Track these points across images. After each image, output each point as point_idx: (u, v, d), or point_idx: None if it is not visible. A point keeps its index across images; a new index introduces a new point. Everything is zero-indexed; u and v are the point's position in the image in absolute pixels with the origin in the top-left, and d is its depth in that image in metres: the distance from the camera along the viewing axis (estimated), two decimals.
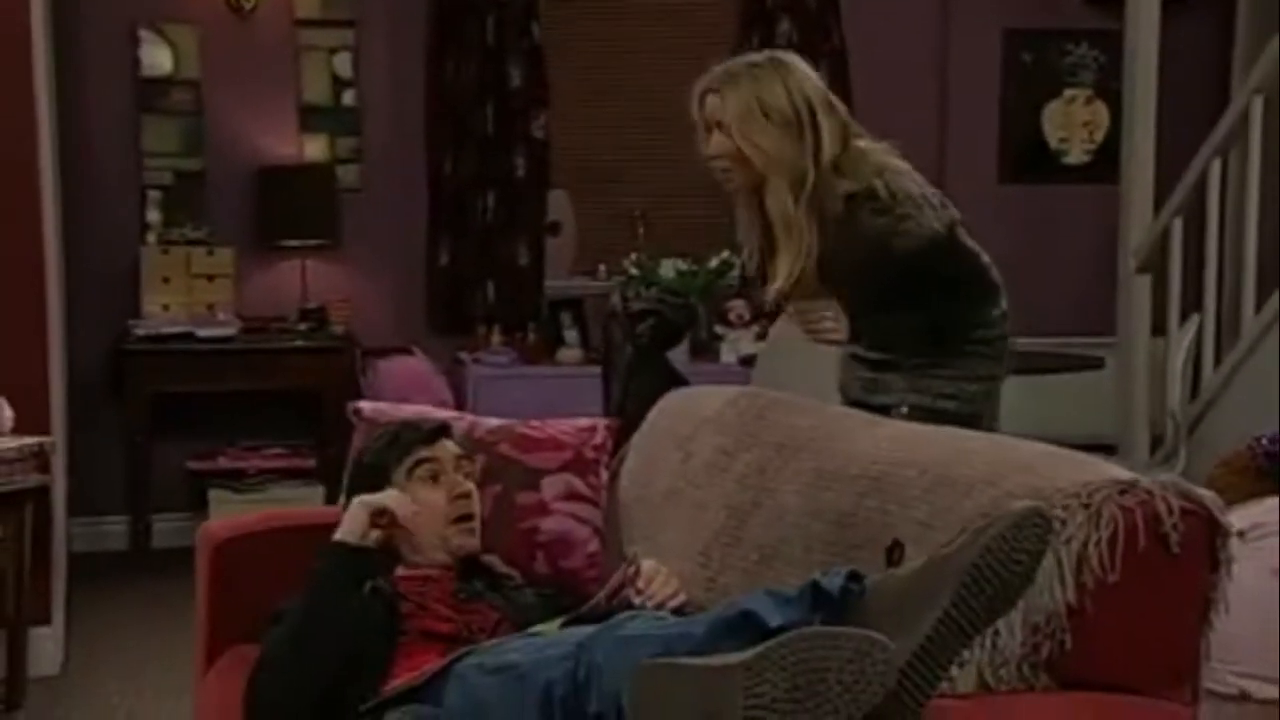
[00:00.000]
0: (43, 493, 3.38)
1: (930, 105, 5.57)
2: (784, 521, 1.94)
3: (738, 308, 5.18)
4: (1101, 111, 5.64)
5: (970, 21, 5.56)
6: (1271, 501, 2.81)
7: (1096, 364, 4.40)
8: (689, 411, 2.38)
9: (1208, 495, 1.54)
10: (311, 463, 4.81)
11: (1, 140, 3.42)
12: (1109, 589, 1.47)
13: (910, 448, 1.85)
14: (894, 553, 1.56)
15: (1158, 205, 4.53)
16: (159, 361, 4.67)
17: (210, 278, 4.87)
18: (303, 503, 4.55)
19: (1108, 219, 4.78)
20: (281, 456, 4.88)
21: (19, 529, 3.22)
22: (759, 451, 2.10)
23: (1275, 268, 4.34)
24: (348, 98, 5.11)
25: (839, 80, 5.44)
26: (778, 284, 2.56)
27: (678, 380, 3.48)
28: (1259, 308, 4.29)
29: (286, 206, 4.98)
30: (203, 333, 4.68)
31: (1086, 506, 1.50)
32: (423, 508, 2.12)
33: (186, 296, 4.84)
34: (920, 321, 2.66)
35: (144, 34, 4.92)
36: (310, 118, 5.09)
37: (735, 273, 4.94)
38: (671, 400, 2.50)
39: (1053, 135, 5.70)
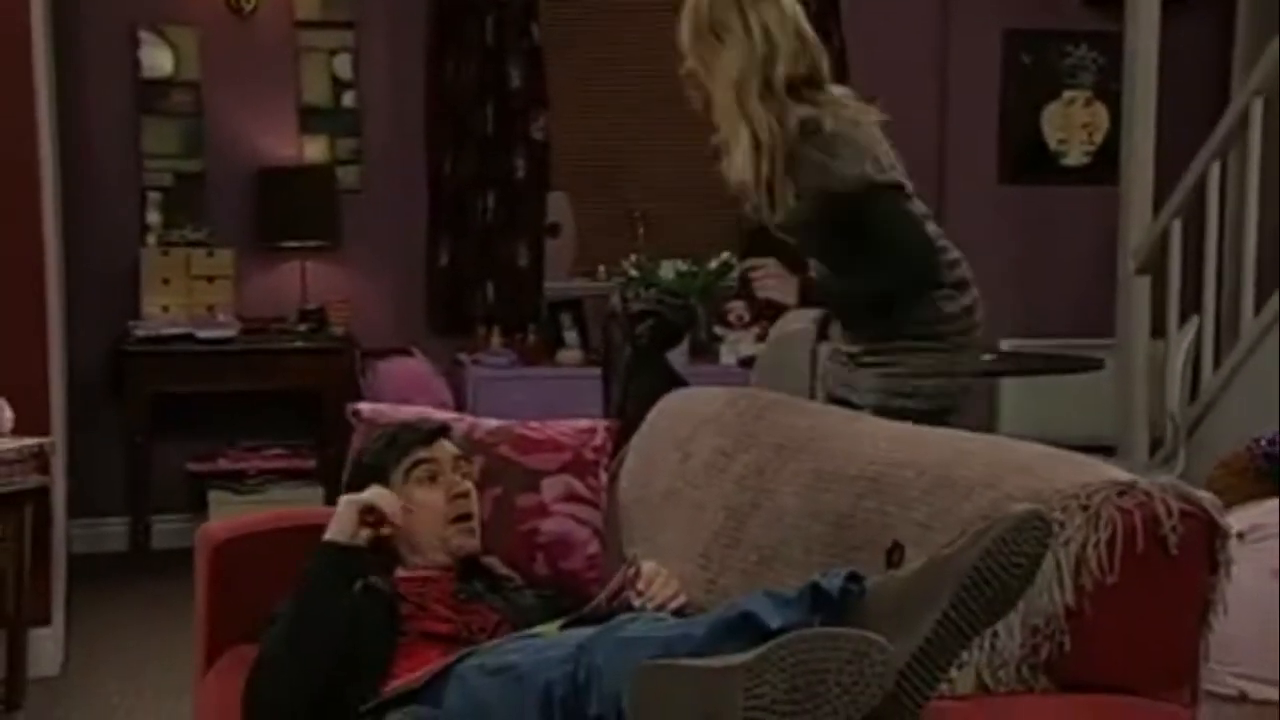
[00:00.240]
0: (43, 493, 3.38)
1: (930, 106, 5.57)
2: (783, 523, 1.94)
3: (737, 309, 5.18)
4: (1101, 113, 5.65)
5: (970, 22, 5.57)
6: (1271, 503, 2.81)
7: (1096, 365, 4.40)
8: (688, 412, 2.38)
9: (1207, 497, 1.54)
10: (311, 463, 4.81)
11: (2, 141, 3.42)
12: (1108, 591, 1.47)
13: (908, 449, 1.85)
14: (894, 554, 1.56)
15: (1157, 207, 4.54)
16: (159, 362, 4.67)
17: (210, 279, 4.87)
18: (302, 503, 4.55)
19: (1107, 220, 4.78)
20: (281, 457, 4.88)
21: (19, 530, 3.22)
22: (758, 452, 2.10)
23: (1275, 269, 4.35)
24: (347, 99, 5.12)
25: (839, 80, 5.43)
26: (733, 175, 2.61)
27: (677, 381, 3.49)
28: (1258, 309, 4.30)
29: (286, 207, 4.98)
30: (203, 334, 4.68)
31: (1085, 508, 1.50)
32: (421, 508, 2.12)
33: (186, 298, 4.84)
34: (862, 290, 2.68)
35: (144, 35, 4.92)
36: (310, 119, 5.09)
37: (735, 274, 4.94)
38: (671, 401, 2.51)
39: (1052, 136, 5.70)
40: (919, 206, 2.69)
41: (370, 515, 2.04)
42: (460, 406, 4.64)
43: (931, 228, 2.67)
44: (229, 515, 3.98)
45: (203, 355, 4.68)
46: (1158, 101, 4.49)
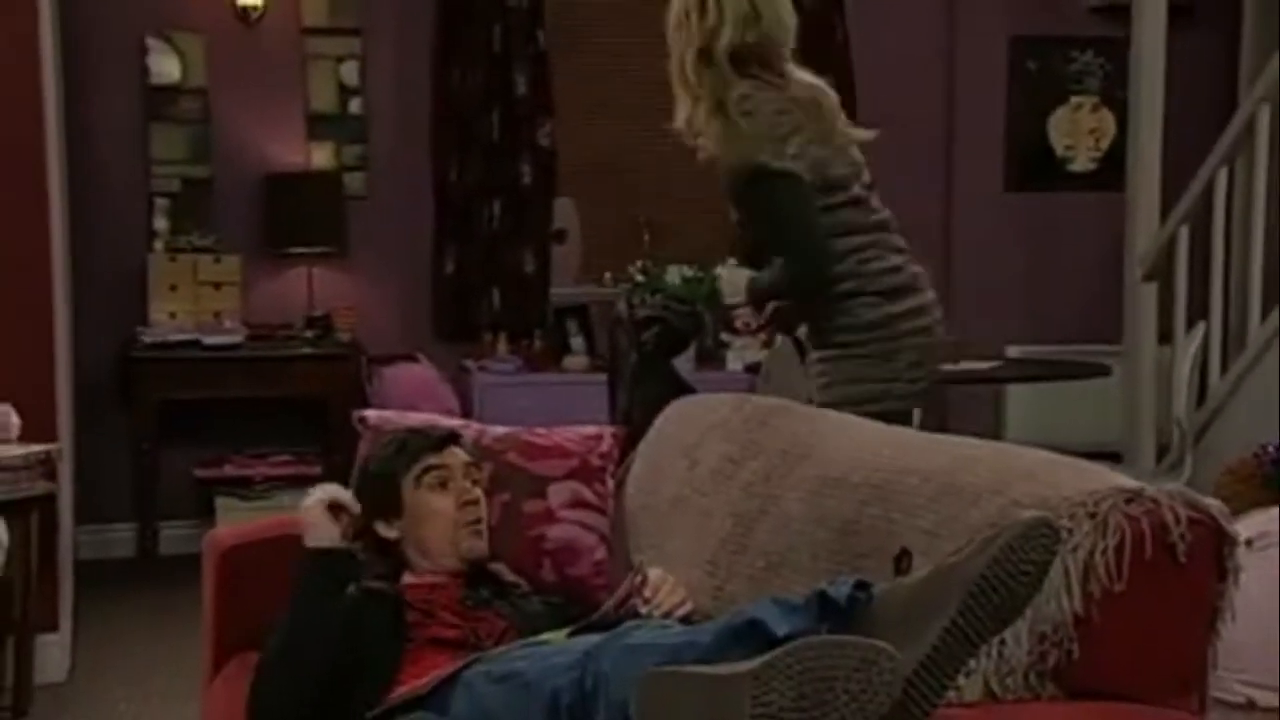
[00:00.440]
0: (49, 500, 3.38)
1: (936, 113, 5.58)
2: (790, 529, 1.94)
3: (744, 315, 5.17)
4: (1107, 119, 5.65)
5: (976, 29, 5.57)
6: (1276, 510, 2.81)
7: (1103, 371, 4.40)
8: (695, 419, 2.38)
9: (1214, 504, 1.54)
10: (317, 470, 4.81)
11: (10, 147, 3.43)
12: (1116, 598, 1.47)
13: (912, 455, 1.85)
14: (901, 562, 1.56)
15: (1164, 213, 4.53)
16: (166, 369, 4.68)
17: (217, 285, 4.88)
18: None
19: (1113, 227, 4.78)
20: (287, 464, 4.89)
21: (25, 536, 3.22)
22: (764, 459, 2.10)
23: None
24: (354, 106, 5.13)
25: (845, 88, 5.44)
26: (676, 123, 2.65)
27: (684, 388, 3.48)
28: (1265, 316, 4.29)
29: (293, 214, 4.99)
30: (209, 340, 4.68)
31: (1093, 515, 1.50)
32: (432, 514, 2.13)
33: (193, 304, 4.85)
34: (776, 283, 2.73)
35: (152, 42, 4.94)
36: (317, 125, 5.10)
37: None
38: (678, 408, 2.51)
39: (1059, 143, 5.70)
40: (867, 214, 2.70)
41: (338, 512, 2.06)
42: (466, 413, 4.64)
43: (860, 238, 2.66)
44: (236, 521, 3.99)
45: (209, 362, 4.69)
46: (1164, 108, 4.48)
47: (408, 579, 2.12)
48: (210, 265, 4.89)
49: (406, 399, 4.44)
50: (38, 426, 3.33)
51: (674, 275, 5.14)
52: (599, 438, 2.44)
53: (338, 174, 5.09)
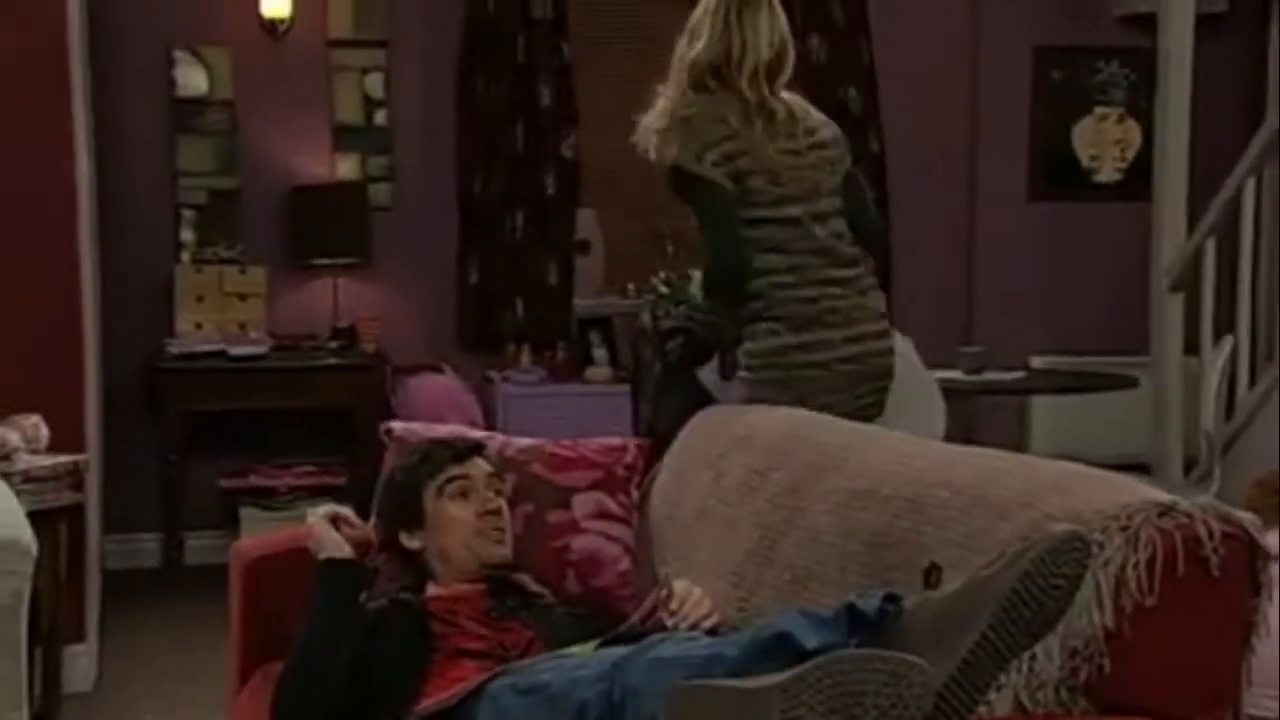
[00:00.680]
0: (77, 511, 3.40)
1: (960, 124, 5.56)
2: (818, 542, 1.93)
3: None
4: (1133, 130, 5.62)
5: (1000, 39, 5.56)
6: None
7: (1129, 383, 4.37)
8: (720, 430, 2.38)
9: (1248, 518, 1.52)
10: (342, 480, 4.82)
11: (40, 159, 3.46)
12: (1148, 612, 1.46)
13: (940, 467, 1.84)
14: (931, 575, 1.55)
15: (1190, 224, 4.51)
16: (192, 380, 4.70)
17: (243, 296, 4.91)
18: None
19: (1139, 237, 4.75)
20: (312, 474, 4.90)
21: (54, 547, 3.23)
22: (791, 471, 2.09)
23: None
24: (379, 117, 5.15)
25: (869, 97, 5.44)
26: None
27: (708, 399, 3.48)
28: None
29: (318, 225, 5.01)
30: (235, 351, 4.70)
31: (1125, 529, 1.49)
32: (453, 524, 2.14)
33: (219, 315, 4.87)
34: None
35: (179, 55, 4.97)
36: (343, 137, 5.13)
37: None
38: (702, 419, 2.50)
39: (1084, 153, 5.67)
40: (801, 238, 2.78)
41: (343, 523, 2.14)
42: (490, 424, 4.65)
43: (780, 259, 2.77)
44: (260, 532, 4.00)
45: (235, 372, 4.70)
46: (1191, 118, 4.46)
47: (431, 590, 2.12)
48: (236, 276, 4.91)
49: (431, 410, 4.45)
50: (66, 437, 3.35)
51: (697, 287, 5.13)
52: (623, 449, 2.45)
53: (363, 185, 5.11)
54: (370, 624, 2.00)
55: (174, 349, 4.74)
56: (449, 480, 2.17)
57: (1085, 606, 1.45)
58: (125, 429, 4.72)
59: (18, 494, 2.82)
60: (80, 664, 3.52)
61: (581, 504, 2.35)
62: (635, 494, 2.41)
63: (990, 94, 5.58)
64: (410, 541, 2.17)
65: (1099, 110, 5.65)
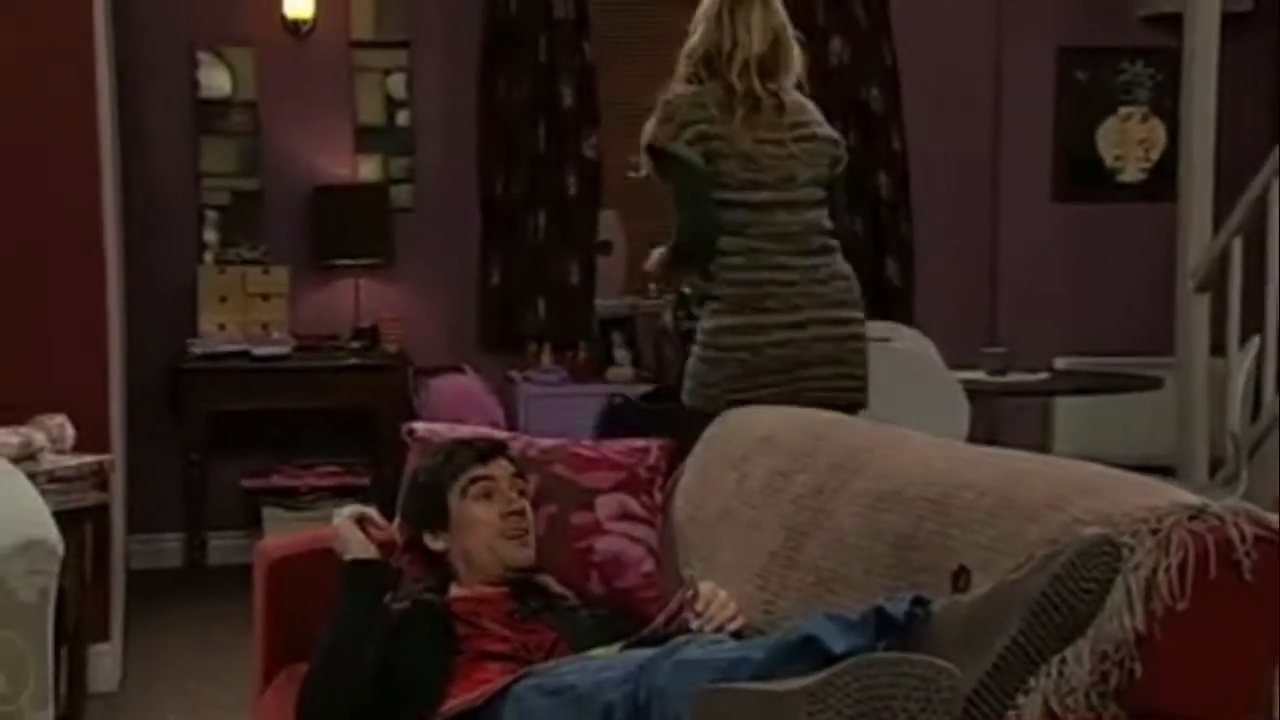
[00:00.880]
0: (102, 511, 3.41)
1: (983, 124, 5.53)
2: (842, 544, 1.92)
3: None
4: (1158, 129, 5.58)
5: (1024, 40, 5.53)
6: None
7: (1154, 384, 4.34)
8: (743, 431, 2.37)
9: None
10: (364, 481, 4.83)
11: (65, 161, 3.47)
12: (1179, 617, 1.44)
13: (965, 468, 1.83)
14: (960, 578, 1.54)
15: (1216, 224, 4.47)
16: (215, 380, 4.72)
17: (265, 297, 4.92)
18: None
19: (1164, 238, 4.72)
20: (334, 474, 4.91)
21: (79, 547, 3.24)
22: (815, 472, 2.09)
23: None
24: (401, 118, 5.16)
25: (891, 97, 5.42)
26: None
27: None
28: None
29: (341, 226, 5.02)
30: (258, 351, 4.72)
31: (1156, 532, 1.48)
32: (476, 524, 2.14)
33: (242, 315, 4.89)
34: (669, 249, 3.12)
35: (203, 56, 4.99)
36: (365, 138, 5.14)
37: None
38: (725, 420, 2.49)
39: (1108, 153, 5.64)
40: (765, 223, 2.92)
41: (366, 524, 2.16)
42: (511, 424, 4.65)
43: (738, 241, 2.91)
44: (282, 532, 4.01)
45: (258, 373, 4.72)
46: (1216, 117, 4.42)
47: (455, 591, 2.12)
48: (259, 277, 4.93)
49: (452, 410, 4.45)
50: (91, 437, 3.36)
51: None
52: (647, 450, 2.44)
53: (385, 186, 5.12)
54: (395, 625, 2.00)
55: (197, 349, 4.76)
56: (472, 481, 2.17)
57: (1116, 610, 1.43)
58: (148, 429, 4.74)
59: (43, 494, 2.81)
60: (105, 663, 3.53)
61: (605, 505, 2.35)
62: (659, 495, 2.40)
63: (1014, 94, 5.55)
64: (434, 543, 2.17)
65: (1123, 110, 5.61)
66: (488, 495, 2.16)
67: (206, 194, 5.01)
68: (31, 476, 2.89)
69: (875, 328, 4.70)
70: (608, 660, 1.73)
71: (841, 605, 1.76)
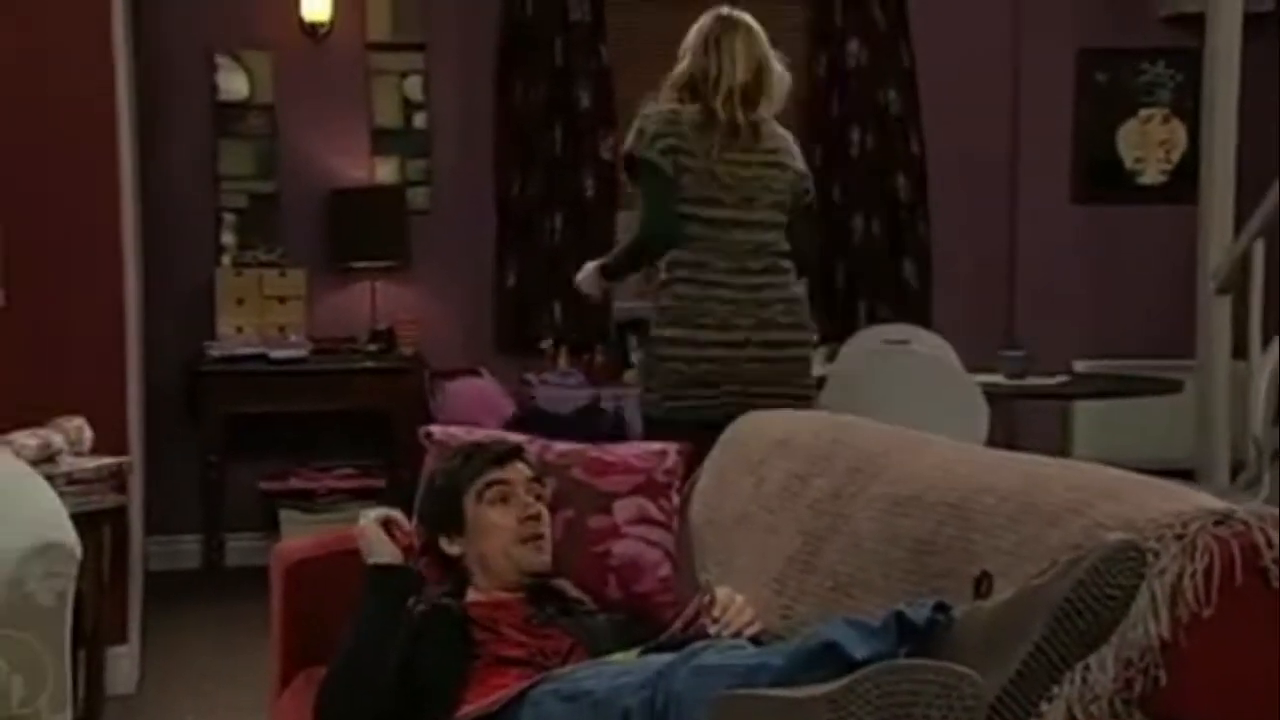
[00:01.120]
0: (120, 513, 3.42)
1: (1003, 126, 5.51)
2: (861, 548, 1.91)
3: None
4: (1178, 131, 5.55)
5: (1043, 41, 5.50)
6: None
7: (1174, 387, 4.31)
8: (760, 435, 2.36)
9: None
10: (381, 483, 4.83)
11: (83, 164, 3.48)
12: (1204, 623, 1.43)
13: (985, 472, 1.82)
14: (982, 584, 1.52)
15: (1238, 226, 4.44)
16: (233, 382, 4.72)
17: (282, 299, 4.93)
18: None
19: (1184, 240, 4.69)
20: (351, 477, 4.91)
21: (97, 549, 3.25)
22: (833, 476, 2.07)
23: None
24: (418, 120, 5.16)
25: (909, 99, 5.40)
26: None
27: None
28: None
29: (357, 228, 5.03)
30: (275, 354, 4.73)
31: (1180, 538, 1.46)
32: (493, 529, 2.13)
33: (259, 318, 4.90)
34: (624, 248, 3.34)
35: (221, 59, 5.00)
36: (381, 140, 5.14)
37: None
38: (742, 424, 2.48)
39: (1128, 155, 5.61)
40: (719, 238, 3.07)
41: (394, 528, 2.14)
42: None
43: (688, 254, 3.08)
44: (299, 534, 4.01)
45: (275, 375, 4.72)
46: (1238, 118, 4.39)
47: (471, 596, 2.12)
48: (276, 279, 4.94)
49: (469, 412, 4.45)
50: (109, 439, 3.37)
51: None
52: (664, 453, 2.43)
53: (401, 188, 5.12)
54: (414, 628, 1.99)
55: (215, 352, 4.77)
56: (488, 485, 2.16)
57: (1140, 617, 1.41)
58: (166, 431, 4.75)
59: (62, 496, 2.81)
60: (123, 665, 3.54)
61: (622, 509, 2.34)
62: (676, 499, 2.39)
63: (1033, 96, 5.52)
64: (450, 547, 2.17)
65: (1144, 112, 5.58)
66: (504, 500, 2.15)
67: (224, 196, 5.03)
68: (50, 479, 2.90)
69: (894, 330, 4.73)
70: (625, 666, 1.72)
71: (860, 610, 1.75)
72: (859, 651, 1.37)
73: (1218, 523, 1.47)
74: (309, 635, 2.26)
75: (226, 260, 5.00)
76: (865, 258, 5.41)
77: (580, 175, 5.21)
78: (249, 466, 4.88)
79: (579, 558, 2.27)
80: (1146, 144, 5.60)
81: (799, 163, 3.22)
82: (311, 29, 5.05)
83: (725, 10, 3.23)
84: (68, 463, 3.20)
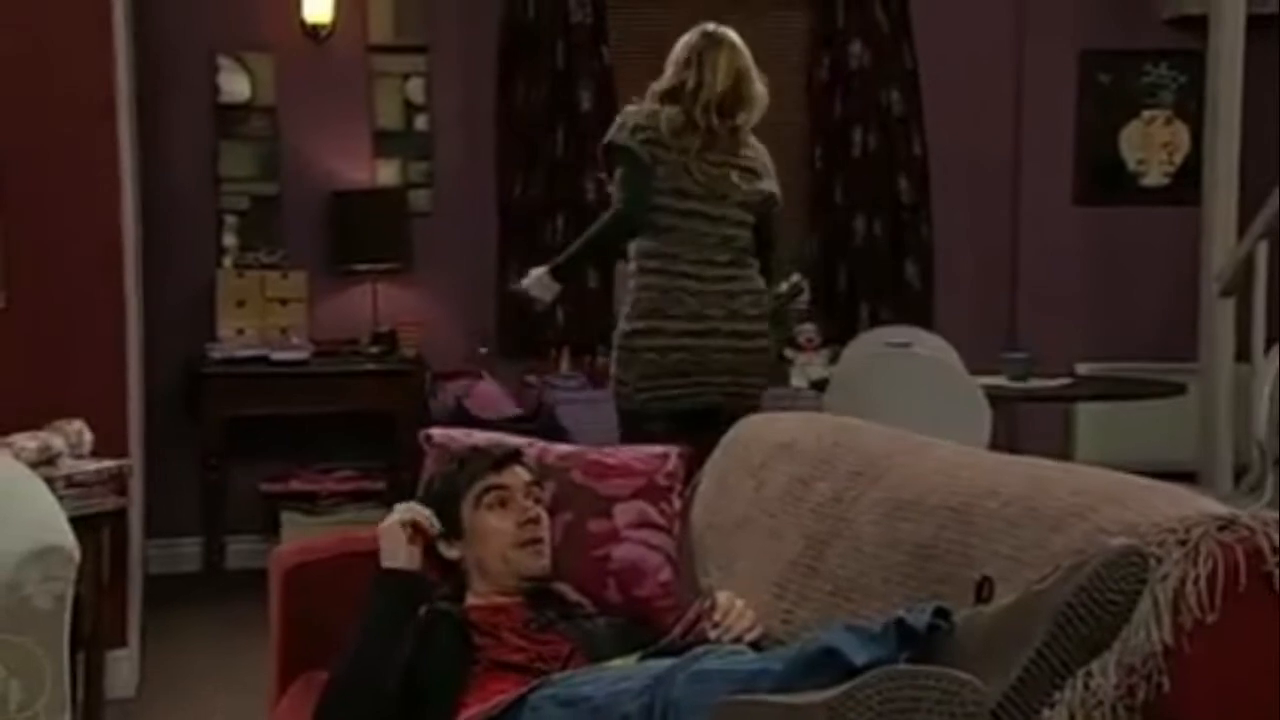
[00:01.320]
0: (120, 515, 3.41)
1: (1005, 127, 5.50)
2: (862, 553, 1.90)
3: (808, 331, 5.14)
4: (1181, 132, 5.54)
5: (1046, 43, 5.49)
6: None
7: (1177, 390, 4.30)
8: (762, 438, 2.35)
9: None
10: (382, 485, 4.83)
11: (85, 166, 3.48)
12: (1208, 629, 1.42)
13: (987, 476, 1.81)
14: (983, 589, 1.51)
15: (1241, 228, 4.43)
16: (234, 384, 4.71)
17: (284, 301, 4.92)
18: (373, 525, 4.50)
19: (1187, 242, 4.68)
20: (352, 479, 4.90)
21: (97, 552, 3.24)
22: (835, 480, 2.06)
23: None
24: (420, 122, 5.16)
25: (912, 101, 5.39)
26: None
27: None
28: None
29: (359, 230, 5.02)
30: (276, 356, 4.72)
31: (1183, 543, 1.45)
32: (491, 534, 2.12)
33: (261, 320, 4.89)
34: (589, 236, 3.51)
35: (223, 61, 5.00)
36: (383, 142, 5.14)
37: (805, 296, 4.91)
38: (744, 427, 2.47)
39: (1131, 156, 5.60)
40: (692, 232, 3.22)
41: (415, 531, 2.09)
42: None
43: (658, 244, 3.25)
44: (301, 536, 4.01)
45: (276, 377, 4.71)
46: (1241, 120, 4.38)
47: (470, 600, 2.11)
48: (277, 281, 4.93)
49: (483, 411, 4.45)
50: (109, 442, 3.36)
51: None
52: (665, 457, 2.42)
53: (403, 190, 5.12)
54: (418, 633, 1.98)
55: (216, 354, 4.76)
56: (487, 490, 2.15)
57: (1143, 623, 1.40)
58: (167, 434, 4.75)
59: (62, 499, 2.81)
60: (122, 669, 3.53)
61: (623, 513, 2.32)
62: (677, 502, 2.38)
63: (1035, 98, 5.51)
64: (449, 551, 2.16)
65: (1146, 114, 5.57)
66: (502, 504, 2.14)
67: (225, 198, 5.02)
68: (50, 481, 2.90)
69: (896, 332, 4.71)
70: (624, 671, 1.71)
71: (861, 615, 1.74)
72: (859, 657, 1.36)
73: (1221, 527, 1.46)
74: (308, 639, 2.25)
75: (228, 262, 4.99)
76: (867, 259, 5.40)
77: (582, 177, 5.19)
78: (250, 469, 4.88)
79: (579, 562, 2.26)
80: (1149, 146, 5.59)
81: (770, 183, 3.35)
82: (313, 31, 5.05)
83: (711, 26, 3.35)
84: (68, 465, 3.19)
